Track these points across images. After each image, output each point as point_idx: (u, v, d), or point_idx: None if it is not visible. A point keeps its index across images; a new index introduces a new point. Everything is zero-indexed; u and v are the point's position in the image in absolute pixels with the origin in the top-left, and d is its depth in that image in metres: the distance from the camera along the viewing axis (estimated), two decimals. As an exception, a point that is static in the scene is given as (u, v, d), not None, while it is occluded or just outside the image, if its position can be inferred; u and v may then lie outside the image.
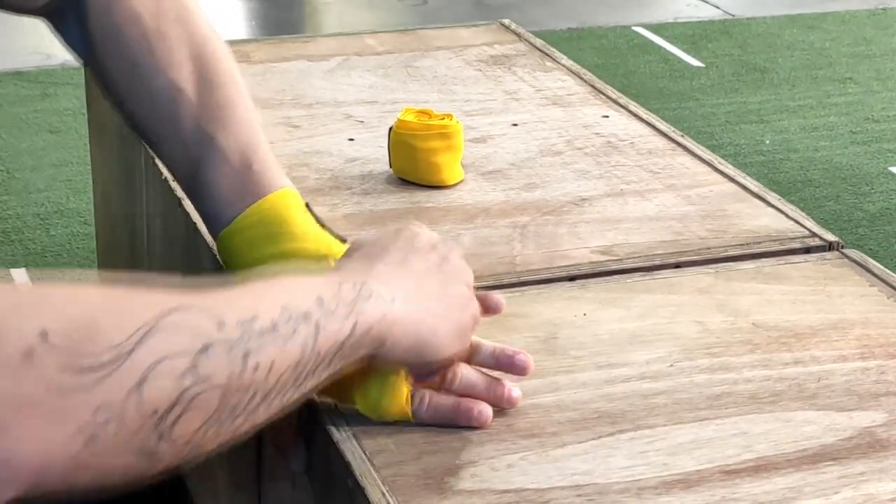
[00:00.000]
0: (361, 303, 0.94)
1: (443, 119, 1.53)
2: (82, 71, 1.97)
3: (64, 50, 4.41)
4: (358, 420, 1.05)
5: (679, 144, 1.65)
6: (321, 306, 0.91)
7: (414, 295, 1.00)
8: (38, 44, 4.60)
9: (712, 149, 3.88)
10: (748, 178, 1.55)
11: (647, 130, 1.70)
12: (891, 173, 3.85)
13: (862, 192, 3.71)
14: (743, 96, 4.40)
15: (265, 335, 0.86)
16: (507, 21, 2.09)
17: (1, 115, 3.95)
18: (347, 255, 1.06)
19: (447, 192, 1.51)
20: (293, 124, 1.69)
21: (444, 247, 1.07)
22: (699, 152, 1.62)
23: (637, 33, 4.95)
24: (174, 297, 0.82)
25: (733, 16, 5.19)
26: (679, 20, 5.12)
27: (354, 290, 0.95)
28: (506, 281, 1.31)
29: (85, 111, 3.69)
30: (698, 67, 4.65)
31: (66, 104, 4.08)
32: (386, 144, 1.56)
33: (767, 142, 4.05)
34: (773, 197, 1.51)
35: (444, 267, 1.05)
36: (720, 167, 1.58)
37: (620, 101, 1.80)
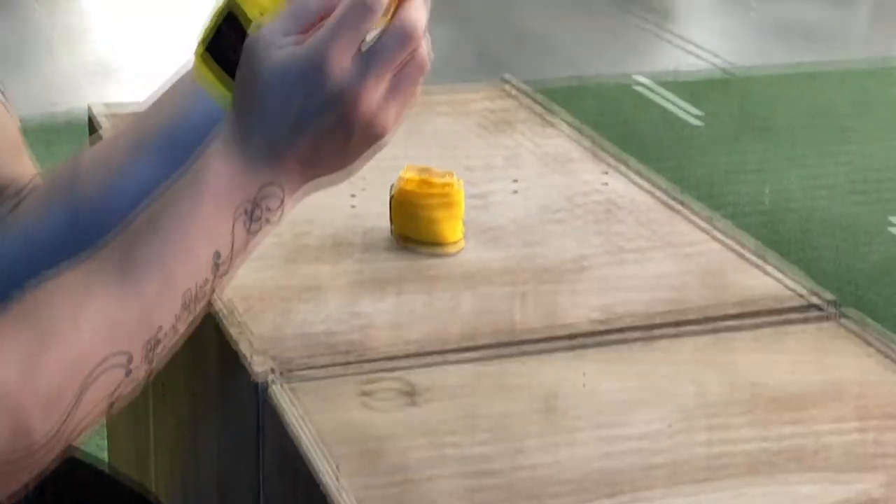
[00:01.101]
0: (256, 227, 0.93)
1: (444, 178, 1.55)
2: (86, 121, 1.99)
3: (68, 100, 4.43)
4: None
5: (677, 207, 1.66)
6: (216, 266, 0.92)
7: (314, 172, 0.94)
8: (41, 93, 4.63)
9: (712, 202, 3.92)
10: (746, 240, 1.57)
11: (646, 192, 1.71)
12: (890, 228, 3.87)
13: (861, 246, 3.73)
14: (743, 149, 4.43)
15: (171, 334, 0.92)
16: (508, 80, 2.11)
17: None
18: (244, 126, 0.93)
19: (448, 253, 1.52)
20: (296, 184, 1.70)
21: (347, 95, 0.91)
22: (698, 213, 1.64)
23: (637, 85, 4.98)
24: (85, 346, 0.88)
25: (733, 69, 5.23)
26: (680, 73, 5.15)
27: (247, 225, 0.93)
28: (506, 343, 1.32)
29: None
30: (698, 119, 4.68)
31: (69, 153, 4.10)
32: (388, 205, 1.57)
33: (767, 195, 4.07)
34: (771, 259, 1.52)
35: (346, 125, 0.92)
36: (718, 230, 1.59)
37: (620, 161, 1.81)
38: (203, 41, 0.98)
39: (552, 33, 5.59)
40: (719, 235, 1.57)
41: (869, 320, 1.38)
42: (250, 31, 0.93)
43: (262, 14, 0.94)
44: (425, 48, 0.93)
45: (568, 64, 5.19)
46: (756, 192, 4.08)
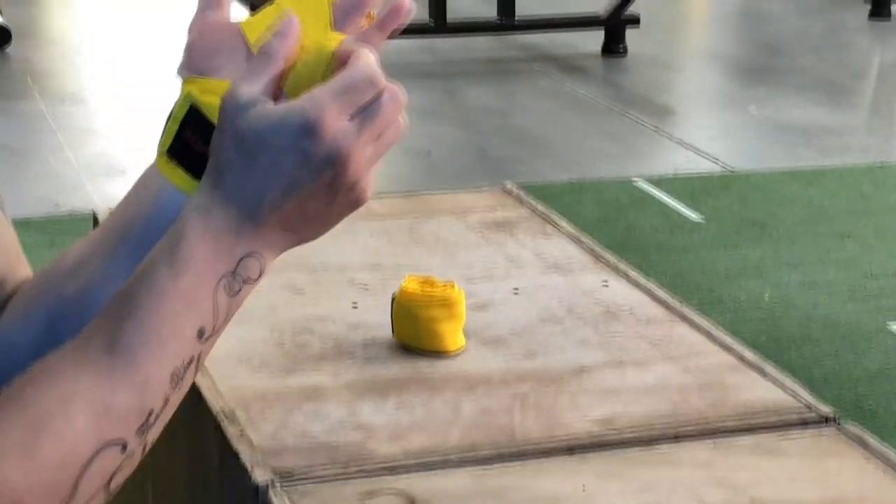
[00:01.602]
0: (238, 295, 0.93)
1: (445, 287, 1.56)
2: (90, 220, 2.01)
3: (71, 199, 4.48)
4: None
5: (677, 313, 1.67)
6: (201, 339, 0.92)
7: (295, 236, 0.94)
8: (45, 192, 4.66)
9: (712, 304, 3.94)
10: (746, 348, 1.58)
11: (645, 298, 1.72)
12: (889, 331, 3.87)
13: (861, 350, 3.73)
14: (742, 251, 4.45)
15: (162, 415, 0.92)
16: (508, 186, 2.13)
17: (7, 263, 3.98)
18: (224, 191, 0.92)
19: (449, 359, 1.53)
20: (298, 290, 1.71)
21: (341, 156, 0.90)
22: (697, 321, 1.65)
23: (637, 186, 5.01)
24: (78, 438, 0.88)
25: (733, 170, 5.26)
26: (679, 174, 5.19)
27: (229, 295, 0.92)
28: (506, 452, 1.33)
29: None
30: (698, 221, 4.70)
31: (72, 253, 4.11)
32: (389, 311, 1.58)
33: (767, 297, 4.08)
34: (770, 369, 1.53)
35: (335, 187, 0.91)
36: (718, 337, 1.60)
37: (620, 267, 1.83)
38: (165, 142, 0.97)
39: (552, 134, 5.63)
40: (719, 343, 1.58)
41: (868, 434, 1.38)
42: (211, 113, 0.93)
43: (218, 104, 0.93)
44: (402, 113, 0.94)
45: (568, 165, 5.22)
46: (756, 294, 4.09)
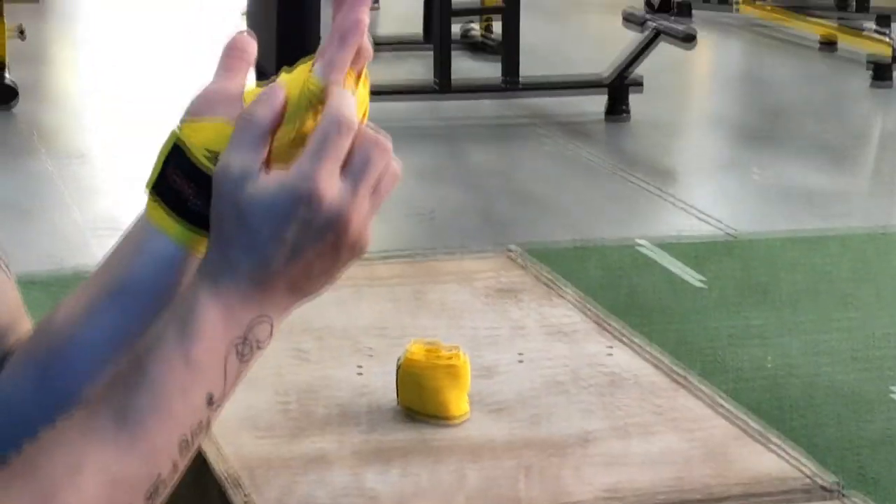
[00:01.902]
0: (247, 360, 0.93)
1: (450, 353, 1.57)
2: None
3: (76, 257, 4.48)
4: None
5: (682, 382, 1.68)
6: (210, 405, 0.92)
7: (302, 295, 0.94)
8: (51, 250, 4.67)
9: (714, 368, 3.94)
10: (750, 417, 1.58)
11: (650, 366, 1.73)
12: (892, 397, 3.87)
13: (864, 416, 3.73)
14: (745, 315, 4.45)
15: (170, 477, 0.91)
16: (513, 251, 2.14)
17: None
18: (230, 261, 0.92)
19: (453, 426, 1.53)
20: (303, 354, 1.72)
21: (341, 218, 0.91)
22: (702, 390, 1.65)
23: (640, 249, 5.02)
24: None
25: (735, 234, 5.28)
26: (682, 237, 5.20)
27: (239, 360, 0.93)
28: (511, 521, 1.33)
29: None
30: (701, 285, 4.71)
31: (76, 311, 4.11)
32: (394, 376, 1.59)
33: (770, 362, 4.08)
34: (774, 437, 1.53)
35: (338, 246, 0.92)
36: (722, 406, 1.60)
37: (624, 334, 1.83)
38: (150, 179, 0.97)
39: (556, 196, 5.65)
40: (723, 413, 1.59)
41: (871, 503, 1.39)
42: (200, 161, 0.94)
43: (206, 144, 0.94)
44: (393, 157, 0.95)
45: (572, 227, 5.23)
46: (758, 359, 4.09)
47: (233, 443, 1.48)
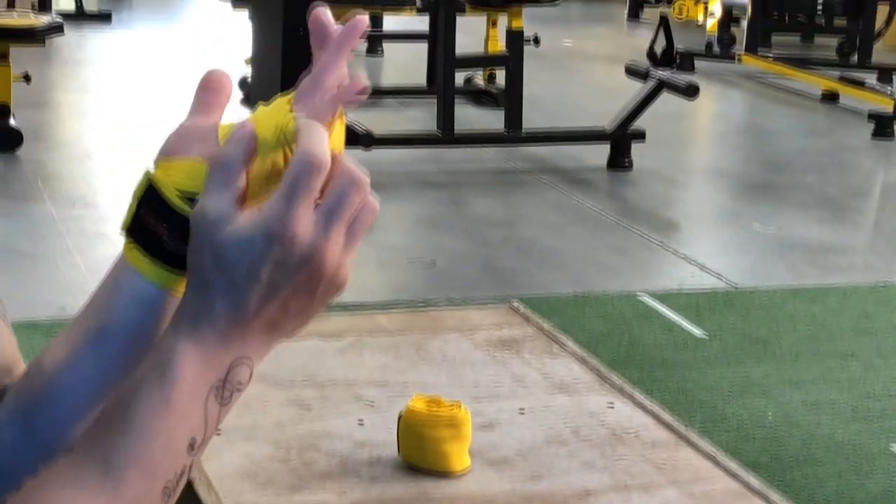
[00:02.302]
0: (228, 402, 0.94)
1: (452, 407, 1.57)
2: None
3: (78, 302, 4.45)
4: None
5: (683, 437, 1.68)
6: (192, 450, 0.92)
7: (281, 335, 0.95)
8: (52, 295, 4.68)
9: (715, 421, 3.93)
10: (750, 473, 1.58)
11: (651, 421, 1.73)
12: (892, 452, 3.86)
13: (864, 472, 3.72)
14: (746, 368, 4.45)
15: None
16: (515, 304, 2.15)
17: (11, 366, 3.98)
18: (209, 305, 0.93)
19: (454, 480, 1.53)
20: (304, 405, 1.72)
21: (316, 255, 0.92)
22: (702, 446, 1.65)
23: (641, 301, 5.03)
24: None
25: (737, 286, 5.28)
26: (683, 289, 5.21)
27: (219, 403, 0.93)
28: (510, 576, 1.33)
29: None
30: (701, 337, 4.71)
31: (76, 357, 4.11)
32: (395, 429, 1.59)
33: (770, 415, 4.07)
34: (775, 495, 1.53)
35: (314, 283, 0.92)
36: (723, 463, 1.60)
37: (625, 389, 1.83)
38: (125, 223, 0.97)
39: (558, 247, 5.66)
40: (724, 469, 1.59)
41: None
42: (174, 203, 0.94)
43: (179, 184, 0.94)
44: (370, 193, 0.94)
45: (573, 278, 5.24)
46: (759, 412, 4.08)
47: (233, 494, 1.48)
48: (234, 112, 0.97)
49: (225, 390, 0.93)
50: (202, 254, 0.92)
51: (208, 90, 1.00)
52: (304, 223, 0.91)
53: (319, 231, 0.91)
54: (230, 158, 0.93)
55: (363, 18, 0.98)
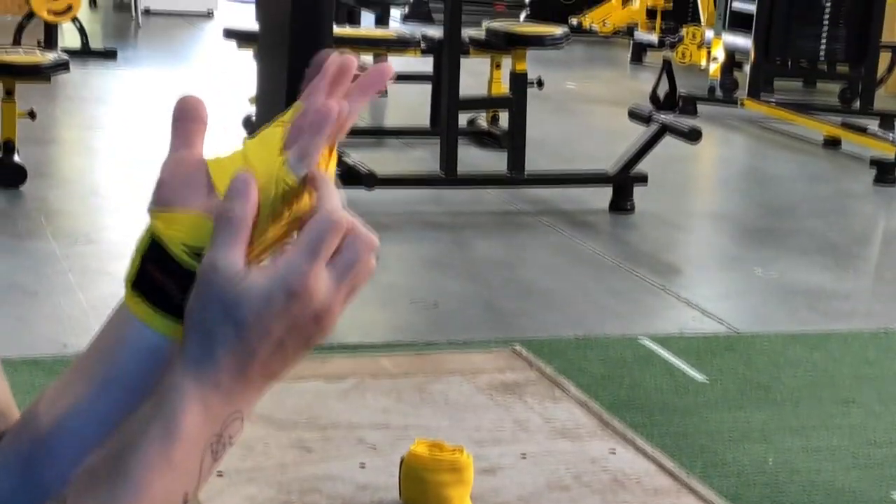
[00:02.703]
0: (220, 455, 0.94)
1: (454, 452, 1.57)
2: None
3: (80, 340, 4.45)
4: None
5: (684, 484, 1.68)
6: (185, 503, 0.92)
7: (274, 382, 0.95)
8: (54, 332, 4.68)
9: (715, 466, 3.93)
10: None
11: (653, 467, 1.73)
12: (892, 500, 3.86)
13: (864, 520, 3.71)
14: (747, 413, 4.44)
15: None
16: (518, 347, 2.15)
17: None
18: (215, 358, 0.93)
19: (456, 525, 1.53)
20: (307, 448, 1.72)
21: (327, 312, 0.93)
22: (704, 493, 1.65)
23: (643, 345, 5.03)
24: None
25: (737, 331, 5.28)
26: (684, 333, 5.21)
27: (213, 457, 0.93)
28: None
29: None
30: (702, 382, 4.70)
31: (77, 394, 4.11)
32: (397, 472, 1.59)
33: (770, 462, 4.07)
34: (776, 544, 1.53)
35: (316, 337, 0.94)
36: (724, 510, 1.60)
37: (627, 435, 1.84)
38: (129, 275, 0.97)
39: (559, 289, 5.67)
40: (725, 517, 1.59)
41: None
42: (180, 258, 0.94)
43: (184, 239, 0.95)
44: (372, 254, 0.95)
45: (574, 320, 5.24)
46: (759, 458, 4.08)
47: (235, 536, 1.48)
48: (215, 143, 0.98)
49: (219, 445, 0.93)
50: (210, 307, 0.92)
51: (185, 120, 0.99)
52: (322, 281, 0.92)
53: (332, 287, 0.92)
54: (237, 215, 0.93)
55: (389, 67, 0.99)
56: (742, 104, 9.96)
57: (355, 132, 8.65)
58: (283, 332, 0.92)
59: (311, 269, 0.91)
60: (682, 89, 9.97)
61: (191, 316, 0.94)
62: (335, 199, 0.93)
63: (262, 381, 0.93)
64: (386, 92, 9.92)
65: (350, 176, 6.43)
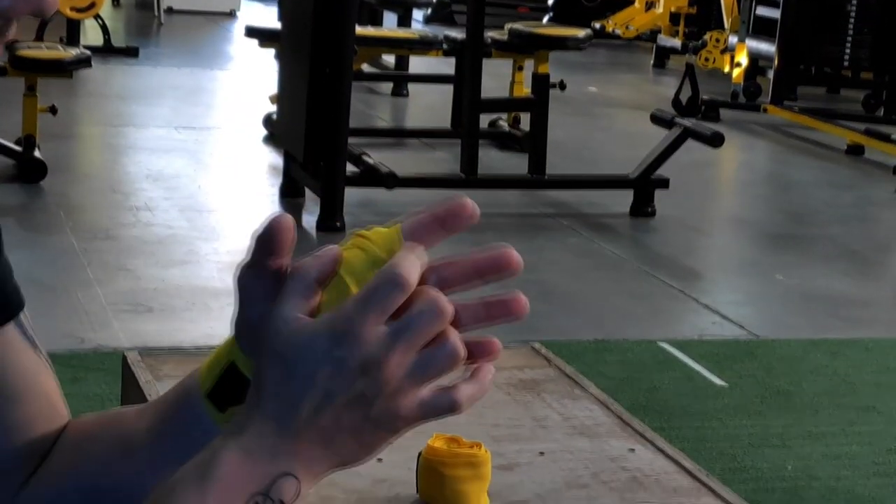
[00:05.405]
0: None
1: (472, 447, 1.55)
2: (115, 357, 2.01)
3: (97, 335, 4.46)
4: None
5: (704, 484, 1.66)
6: None
7: (333, 456, 0.90)
8: (71, 327, 4.67)
9: (734, 471, 3.90)
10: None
11: (672, 467, 1.71)
12: (913, 508, 3.83)
13: (884, 527, 3.68)
14: (766, 419, 4.42)
15: None
16: (537, 345, 2.13)
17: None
18: (259, 409, 0.90)
19: (472, 521, 1.51)
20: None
21: (375, 363, 0.87)
22: (724, 494, 1.63)
23: (662, 349, 5.00)
24: None
25: (758, 337, 5.25)
26: (704, 338, 5.18)
27: None
28: None
29: (113, 398, 3.72)
30: (722, 387, 4.68)
31: (95, 389, 4.11)
32: (414, 467, 1.57)
33: (790, 467, 4.04)
34: (797, 545, 1.51)
35: (369, 398, 0.87)
36: (745, 511, 1.58)
37: (647, 434, 1.81)
38: (207, 383, 1.01)
39: (579, 292, 5.65)
40: (746, 518, 1.56)
41: None
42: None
43: None
44: (456, 336, 0.88)
45: (594, 323, 5.22)
46: (778, 464, 4.05)
47: (249, 529, 1.47)
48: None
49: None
50: (262, 351, 0.90)
51: (274, 241, 0.92)
52: (371, 329, 0.86)
53: (383, 340, 0.86)
54: (305, 268, 0.90)
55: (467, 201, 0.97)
56: (765, 110, 9.92)
57: (376, 132, 8.67)
58: (328, 384, 0.86)
59: (359, 314, 0.86)
60: (704, 94, 9.94)
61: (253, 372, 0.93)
62: (408, 264, 0.88)
63: (315, 445, 0.88)
64: (407, 92, 9.92)
65: (370, 176, 6.42)
